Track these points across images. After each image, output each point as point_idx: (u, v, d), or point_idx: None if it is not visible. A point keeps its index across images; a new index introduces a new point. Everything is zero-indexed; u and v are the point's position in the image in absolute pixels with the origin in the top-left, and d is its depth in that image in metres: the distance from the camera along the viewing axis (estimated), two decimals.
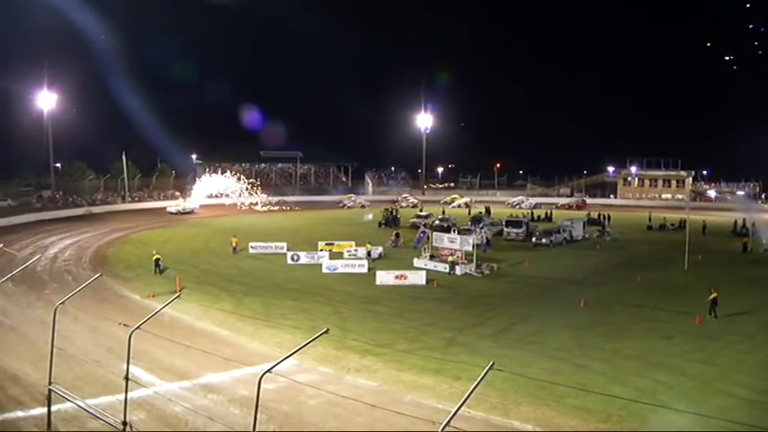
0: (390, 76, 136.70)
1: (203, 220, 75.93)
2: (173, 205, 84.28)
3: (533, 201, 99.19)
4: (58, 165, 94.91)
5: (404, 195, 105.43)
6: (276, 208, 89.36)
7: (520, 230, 60.72)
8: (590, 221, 67.80)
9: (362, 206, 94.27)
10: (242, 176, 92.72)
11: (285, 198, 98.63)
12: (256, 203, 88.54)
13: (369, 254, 48.97)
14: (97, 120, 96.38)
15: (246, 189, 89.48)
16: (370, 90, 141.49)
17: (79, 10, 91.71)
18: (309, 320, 30.81)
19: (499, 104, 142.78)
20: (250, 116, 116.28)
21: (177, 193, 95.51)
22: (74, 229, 63.34)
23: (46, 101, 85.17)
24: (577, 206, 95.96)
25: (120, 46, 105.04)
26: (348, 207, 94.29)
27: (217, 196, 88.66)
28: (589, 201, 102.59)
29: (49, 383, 15.47)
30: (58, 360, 15.66)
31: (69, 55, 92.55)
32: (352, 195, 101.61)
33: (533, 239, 57.79)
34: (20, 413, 18.23)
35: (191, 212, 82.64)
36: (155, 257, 42.97)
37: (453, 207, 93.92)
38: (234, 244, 51.85)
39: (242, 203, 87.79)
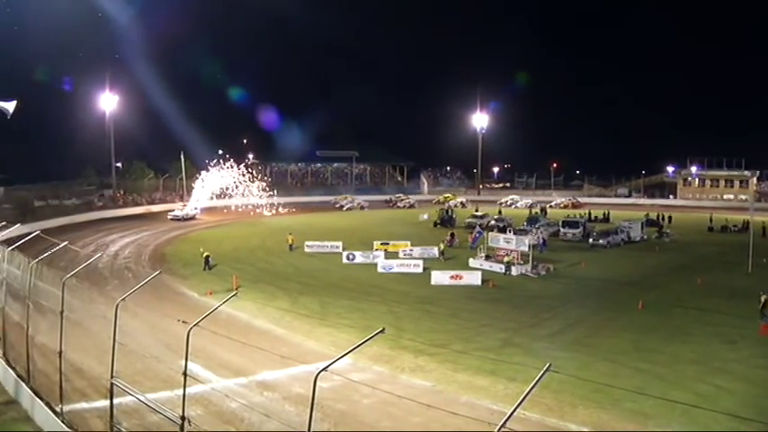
0: (447, 74, 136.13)
1: (262, 219, 76.73)
2: (178, 208, 77.23)
3: (528, 200, 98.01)
4: (119, 164, 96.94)
5: (446, 195, 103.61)
6: (284, 210, 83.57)
7: (576, 231, 59.71)
8: (649, 223, 66.18)
9: (361, 207, 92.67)
10: (252, 172, 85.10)
11: (285, 199, 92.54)
12: (266, 206, 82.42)
13: (442, 253, 49.18)
14: (156, 120, 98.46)
15: (250, 188, 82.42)
16: (426, 89, 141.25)
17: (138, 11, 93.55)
18: (364, 320, 30.81)
19: (557, 103, 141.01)
20: (306, 116, 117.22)
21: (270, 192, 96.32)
22: (133, 228, 64.89)
23: (108, 102, 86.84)
24: (573, 206, 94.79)
25: (175, 45, 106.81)
26: (347, 208, 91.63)
27: (222, 196, 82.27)
28: (647, 201, 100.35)
29: (111, 377, 15.77)
30: (120, 355, 15.91)
31: (130, 56, 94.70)
32: (348, 196, 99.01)
33: (590, 240, 56.71)
34: (84, 404, 18.66)
35: (192, 218, 74.39)
36: (204, 255, 44.04)
37: (452, 206, 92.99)
38: (290, 242, 52.39)
39: (254, 207, 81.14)
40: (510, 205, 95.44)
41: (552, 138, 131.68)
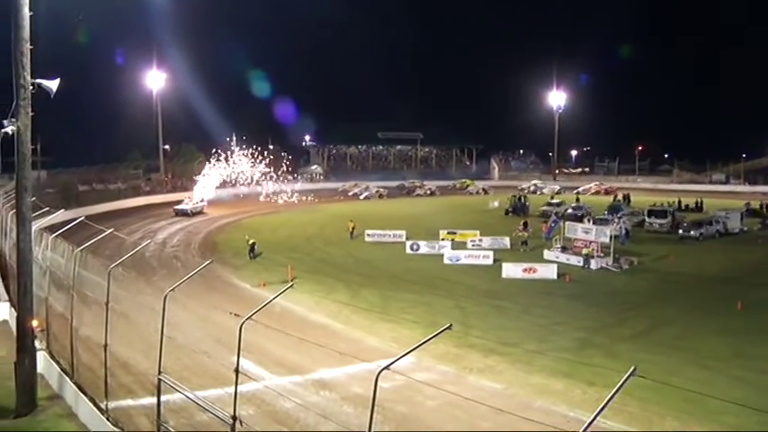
0: (520, 50, 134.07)
1: (320, 205, 77.28)
2: (185, 200, 69.89)
3: (554, 186, 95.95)
4: (167, 147, 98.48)
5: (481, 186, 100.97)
6: (295, 200, 79.87)
7: (664, 221, 58.22)
8: (750, 212, 64.00)
9: (380, 195, 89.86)
10: (263, 160, 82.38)
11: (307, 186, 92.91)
12: (278, 194, 79.20)
13: (525, 243, 49.07)
14: (207, 98, 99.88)
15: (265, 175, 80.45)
16: (498, 66, 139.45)
17: None
18: (429, 315, 30.69)
19: (642, 79, 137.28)
20: (368, 94, 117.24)
21: (290, 178, 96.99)
22: (183, 214, 66.26)
23: (155, 81, 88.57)
24: (606, 192, 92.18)
25: (228, 19, 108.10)
26: (364, 197, 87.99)
27: (231, 184, 79.85)
28: (747, 189, 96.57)
29: (159, 373, 16.03)
30: (168, 349, 16.15)
31: (178, 32, 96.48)
32: (361, 183, 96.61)
33: (680, 231, 55.15)
34: (130, 401, 19.08)
35: (200, 213, 67.81)
36: (250, 242, 44.88)
37: (470, 193, 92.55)
38: (351, 229, 52.85)
39: (269, 195, 78.88)
40: (534, 192, 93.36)
41: (638, 119, 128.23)
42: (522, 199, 72.37)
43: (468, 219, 62.51)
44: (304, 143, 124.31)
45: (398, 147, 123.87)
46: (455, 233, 51.59)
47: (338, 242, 51.28)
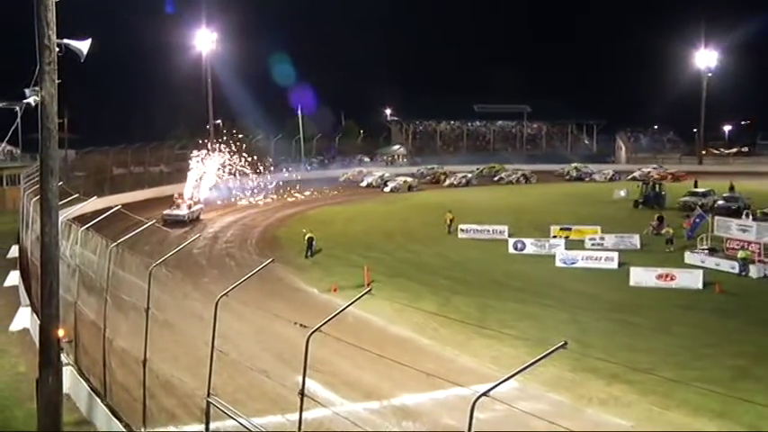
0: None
1: (403, 194, 77.45)
2: (177, 202, 59.91)
3: (613, 172, 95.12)
4: (219, 122, 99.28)
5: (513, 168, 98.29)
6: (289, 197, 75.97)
7: None
8: None
9: (410, 187, 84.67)
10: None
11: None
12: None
13: (670, 241, 48.47)
14: (268, 65, 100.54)
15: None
16: (624, 21, 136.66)
17: None
18: (537, 330, 30.44)
19: None
20: (463, 60, 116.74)
21: (366, 159, 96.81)
22: (237, 203, 67.68)
23: (204, 40, 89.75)
24: (673, 177, 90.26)
25: None
26: (390, 189, 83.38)
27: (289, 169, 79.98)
28: None
29: (208, 395, 16.26)
30: (219, 366, 16.38)
31: None
32: (371, 169, 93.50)
33: None
34: (173, 429, 19.44)
35: (196, 220, 59.80)
36: (307, 236, 45.46)
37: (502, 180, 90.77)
38: (448, 222, 53.51)
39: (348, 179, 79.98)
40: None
41: None
42: (657, 187, 70.90)
43: (587, 212, 62.05)
44: (384, 118, 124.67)
45: (499, 122, 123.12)
46: (570, 229, 51.39)
47: (425, 238, 51.57)
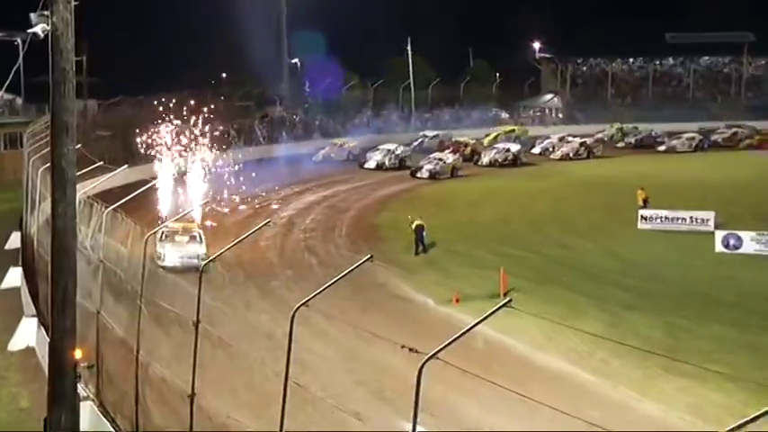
0: None
1: (555, 165, 76.80)
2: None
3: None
4: (296, 61, 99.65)
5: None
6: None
7: None
8: None
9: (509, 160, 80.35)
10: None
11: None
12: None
13: None
14: None
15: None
16: None
17: None
18: (758, 367, 29.31)
19: None
20: None
21: (504, 115, 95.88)
22: (322, 176, 68.73)
23: None
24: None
25: None
26: (433, 173, 73.67)
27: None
28: None
29: None
30: (293, 405, 16.14)
31: None
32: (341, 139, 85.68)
33: None
34: None
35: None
36: (414, 225, 44.76)
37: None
38: (642, 202, 53.78)
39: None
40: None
41: None
42: None
43: None
44: (530, 55, 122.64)
45: (705, 59, 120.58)
46: None
47: (589, 229, 51.31)
